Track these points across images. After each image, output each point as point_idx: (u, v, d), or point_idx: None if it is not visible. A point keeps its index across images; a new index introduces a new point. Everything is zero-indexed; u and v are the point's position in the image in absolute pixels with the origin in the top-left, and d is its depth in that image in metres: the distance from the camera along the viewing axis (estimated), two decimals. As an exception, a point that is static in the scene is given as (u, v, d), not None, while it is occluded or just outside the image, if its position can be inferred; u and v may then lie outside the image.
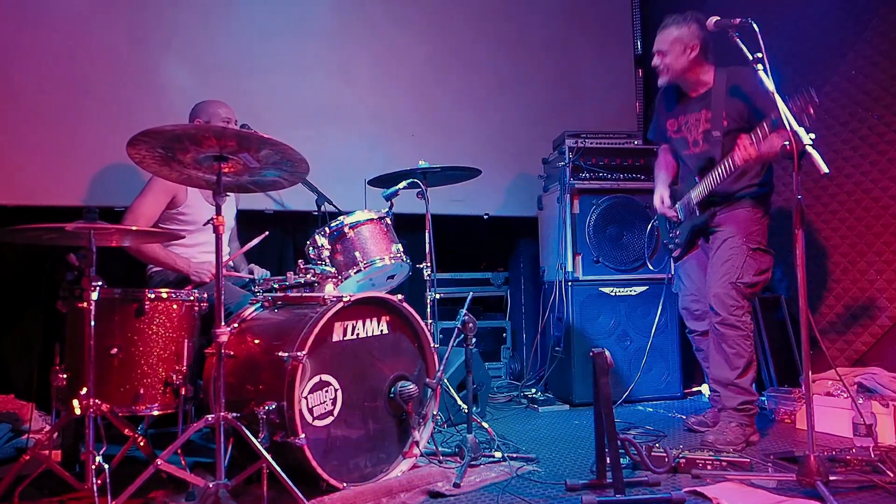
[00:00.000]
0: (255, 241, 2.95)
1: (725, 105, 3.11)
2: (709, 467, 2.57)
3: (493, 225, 4.76)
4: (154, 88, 3.84)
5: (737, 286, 3.08)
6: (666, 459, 2.58)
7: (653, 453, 2.61)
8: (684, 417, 3.48)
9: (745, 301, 3.10)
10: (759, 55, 2.52)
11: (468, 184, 3.69)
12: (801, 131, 2.36)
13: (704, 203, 3.19)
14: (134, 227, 2.43)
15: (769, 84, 2.53)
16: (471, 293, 2.98)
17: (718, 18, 2.80)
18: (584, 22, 5.01)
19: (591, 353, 2.38)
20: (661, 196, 3.39)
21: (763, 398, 3.57)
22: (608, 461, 2.34)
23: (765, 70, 2.54)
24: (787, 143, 2.38)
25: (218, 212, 2.32)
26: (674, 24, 3.15)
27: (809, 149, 2.33)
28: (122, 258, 3.43)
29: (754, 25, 2.55)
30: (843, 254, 3.76)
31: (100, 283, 2.29)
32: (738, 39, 2.64)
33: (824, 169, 2.31)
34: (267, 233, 2.99)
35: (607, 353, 2.36)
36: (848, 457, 2.61)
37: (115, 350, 2.47)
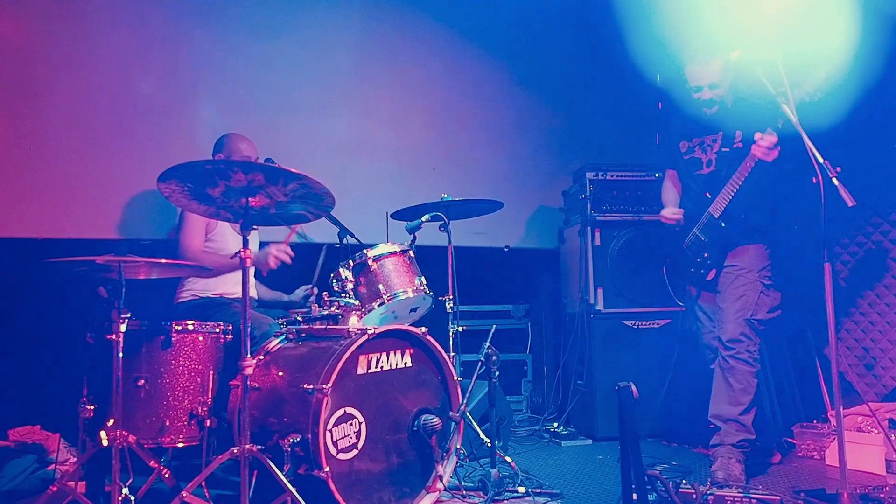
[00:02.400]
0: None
1: (741, 129, 3.16)
2: (737, 504, 2.52)
3: (514, 257, 4.76)
4: (182, 124, 3.93)
5: (751, 322, 3.09)
6: (694, 496, 2.54)
7: (680, 490, 2.57)
8: (710, 453, 3.42)
9: (758, 338, 3.10)
10: (782, 89, 2.54)
11: (489, 216, 3.71)
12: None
13: (727, 215, 3.16)
14: (163, 260, 2.45)
15: (792, 117, 2.54)
16: (494, 325, 2.97)
17: (741, 52, 2.82)
18: (603, 55, 5.06)
19: (616, 387, 2.37)
20: (672, 209, 3.37)
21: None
22: (635, 497, 2.30)
23: (787, 104, 2.55)
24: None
25: (245, 245, 2.36)
26: (714, 55, 3.13)
27: (835, 181, 2.33)
28: (148, 290, 3.48)
29: (778, 61, 2.57)
30: (870, 286, 3.72)
31: (128, 316, 2.33)
32: (760, 73, 2.67)
33: (851, 201, 2.31)
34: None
35: (633, 386, 2.34)
36: (881, 495, 2.56)
37: (141, 382, 2.50)
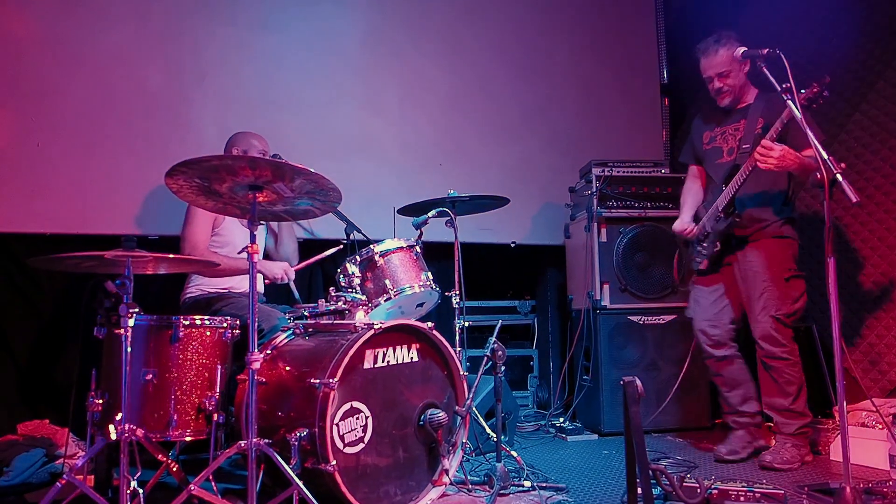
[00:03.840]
0: (330, 252, 3.52)
1: (763, 117, 3.15)
2: (742, 499, 2.53)
3: (520, 253, 4.77)
4: (188, 121, 3.94)
5: (778, 319, 3.10)
6: (698, 490, 2.55)
7: (685, 484, 2.57)
8: (714, 448, 3.43)
9: (789, 330, 3.13)
10: (787, 85, 2.53)
11: (496, 212, 3.71)
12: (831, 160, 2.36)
13: (728, 208, 3.18)
14: (171, 255, 2.48)
15: (797, 113, 2.54)
16: (500, 321, 2.98)
17: (745, 49, 2.82)
18: (610, 51, 5.05)
19: (621, 382, 2.37)
20: (682, 220, 3.41)
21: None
22: (640, 491, 2.31)
23: (792, 100, 2.55)
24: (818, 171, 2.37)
25: (252, 240, 2.37)
26: (721, 45, 3.19)
27: (840, 177, 2.32)
28: (157, 285, 3.50)
29: (782, 56, 2.56)
30: (876, 282, 3.71)
31: (136, 310, 2.34)
32: (765, 69, 2.66)
33: (854, 198, 2.30)
34: (342, 245, 3.58)
35: (638, 381, 2.34)
36: (885, 489, 2.56)
37: (149, 376, 2.52)
